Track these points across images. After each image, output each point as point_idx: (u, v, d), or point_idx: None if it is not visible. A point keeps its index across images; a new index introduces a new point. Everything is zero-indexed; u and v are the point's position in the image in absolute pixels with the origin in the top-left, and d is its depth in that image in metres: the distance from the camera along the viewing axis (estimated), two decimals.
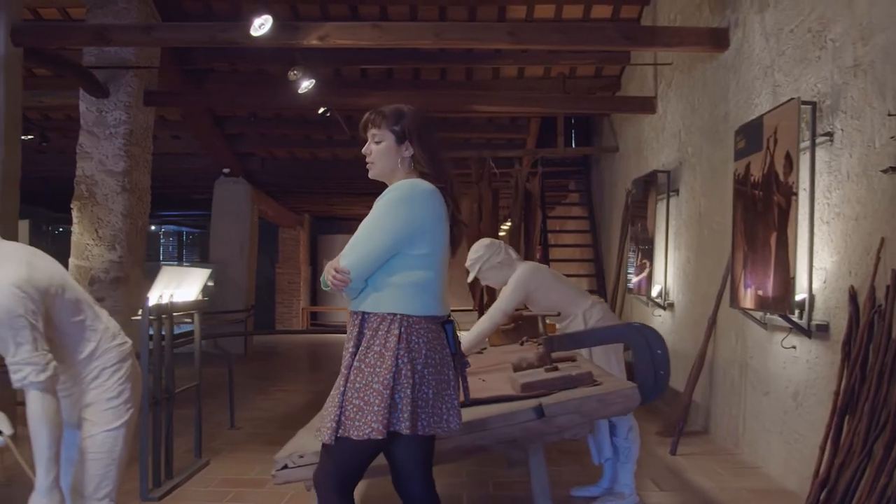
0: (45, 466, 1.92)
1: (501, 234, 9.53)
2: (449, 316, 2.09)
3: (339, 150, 10.29)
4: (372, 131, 2.08)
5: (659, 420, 5.22)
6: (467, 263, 3.66)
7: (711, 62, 5.37)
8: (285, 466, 2.46)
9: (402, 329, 1.94)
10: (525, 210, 8.16)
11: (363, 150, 2.11)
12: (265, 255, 12.43)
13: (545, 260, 8.82)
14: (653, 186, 6.39)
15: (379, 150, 2.07)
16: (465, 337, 3.50)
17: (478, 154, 8.46)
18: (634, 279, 6.74)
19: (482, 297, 8.26)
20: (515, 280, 3.50)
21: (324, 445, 2.01)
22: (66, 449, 2.08)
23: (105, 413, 2.11)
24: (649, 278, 6.34)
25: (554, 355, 2.95)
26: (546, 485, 2.64)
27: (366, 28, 4.94)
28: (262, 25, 4.61)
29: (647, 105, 6.97)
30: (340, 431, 1.92)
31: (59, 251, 3.57)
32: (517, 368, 3.05)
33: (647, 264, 6.37)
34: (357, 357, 1.96)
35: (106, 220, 6.48)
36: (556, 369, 2.81)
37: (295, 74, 5.92)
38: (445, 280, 2.08)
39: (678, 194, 6.08)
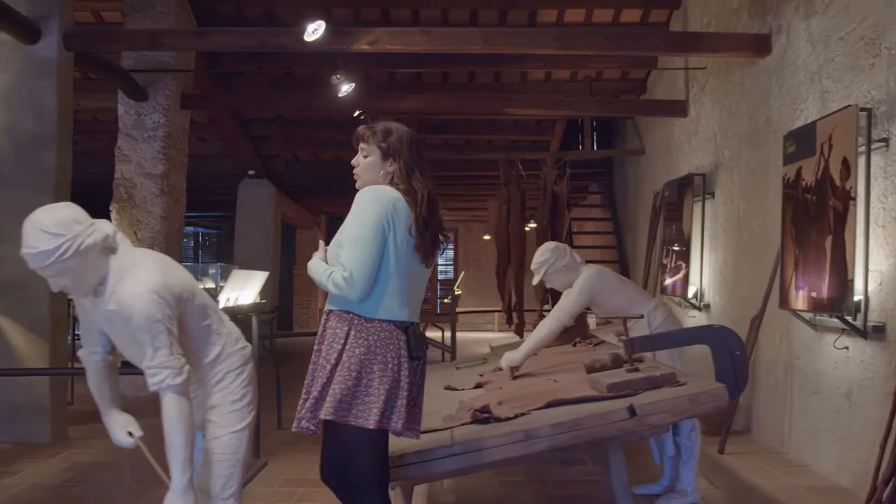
0: (180, 467, 1.99)
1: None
2: (416, 324, 2.15)
3: None
4: (362, 145, 2.21)
5: (702, 420, 5.28)
6: (532, 266, 3.74)
7: (751, 67, 5.44)
8: None
9: (352, 326, 2.06)
10: (552, 212, 8.23)
11: (352, 162, 2.24)
12: (283, 256, 12.48)
13: None
14: (688, 189, 6.46)
15: (365, 163, 2.20)
16: (530, 338, 3.57)
17: (505, 156, 8.55)
18: (669, 280, 6.81)
19: (510, 299, 8.34)
20: (582, 283, 3.57)
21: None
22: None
23: (230, 415, 2.18)
24: (685, 280, 6.41)
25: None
26: (626, 482, 2.71)
27: (416, 33, 5.02)
28: (315, 31, 4.69)
29: (677, 108, 7.04)
30: (303, 423, 2.06)
31: None
32: (591, 369, 3.12)
33: (683, 266, 6.44)
34: (322, 354, 2.10)
35: (145, 223, 6.56)
36: (637, 370, 2.89)
37: (337, 79, 6.00)
38: (413, 286, 2.14)
39: (714, 197, 6.16)
